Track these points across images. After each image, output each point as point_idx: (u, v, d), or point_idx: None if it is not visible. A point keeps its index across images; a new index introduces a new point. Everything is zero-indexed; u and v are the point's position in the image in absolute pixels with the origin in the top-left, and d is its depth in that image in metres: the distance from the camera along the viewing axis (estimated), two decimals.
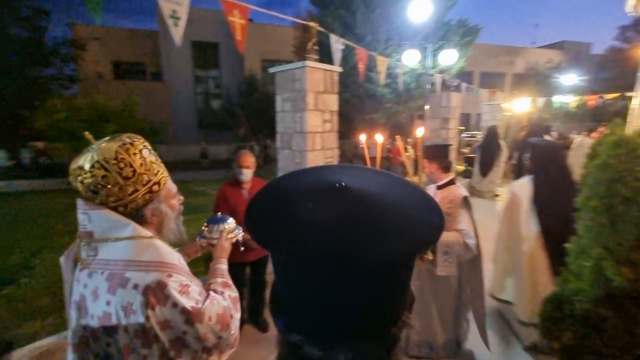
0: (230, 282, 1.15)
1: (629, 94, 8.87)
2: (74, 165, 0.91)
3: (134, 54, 18.94)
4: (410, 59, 6.87)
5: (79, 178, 0.91)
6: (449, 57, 7.24)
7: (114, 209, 0.93)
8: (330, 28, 8.76)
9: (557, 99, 12.91)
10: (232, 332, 0.98)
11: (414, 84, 9.81)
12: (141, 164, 0.94)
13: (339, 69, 3.24)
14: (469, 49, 10.52)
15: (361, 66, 4.18)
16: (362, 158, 12.13)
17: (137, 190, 0.94)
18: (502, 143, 8.25)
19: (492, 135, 8.01)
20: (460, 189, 2.32)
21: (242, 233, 1.40)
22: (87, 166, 0.89)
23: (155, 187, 0.98)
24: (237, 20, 2.44)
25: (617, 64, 20.84)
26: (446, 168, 2.41)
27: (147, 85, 17.74)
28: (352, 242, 0.34)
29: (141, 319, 0.84)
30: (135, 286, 0.86)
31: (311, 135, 3.13)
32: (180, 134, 17.61)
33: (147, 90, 16.65)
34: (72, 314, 0.95)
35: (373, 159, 2.67)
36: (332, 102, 3.26)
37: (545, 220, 2.49)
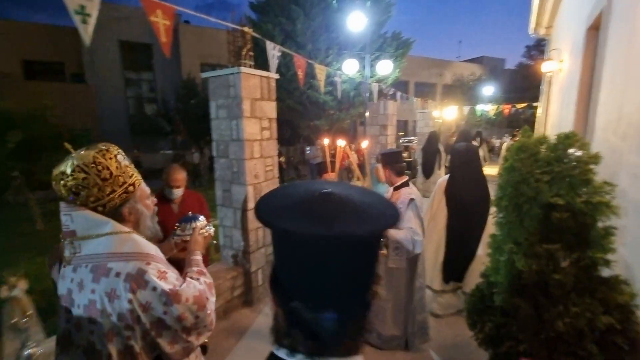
0: (205, 270, 1.25)
1: (535, 104, 10.27)
2: (56, 172, 1.01)
3: (51, 53, 16.78)
4: (350, 68, 7.11)
5: (62, 182, 1.00)
6: (385, 68, 7.65)
7: (94, 209, 1.02)
8: (270, 35, 8.71)
9: (480, 108, 14.42)
10: (209, 312, 1.09)
11: (353, 92, 10.16)
12: (117, 167, 1.05)
13: (276, 76, 3.20)
14: (403, 60, 11.25)
15: (300, 73, 4.19)
16: (308, 164, 12.21)
17: (114, 191, 1.04)
18: (441, 147, 8.93)
19: (432, 140, 8.65)
20: (410, 192, 2.54)
21: (213, 229, 1.54)
22: (68, 170, 0.99)
23: (131, 188, 1.09)
24: (160, 21, 2.27)
25: (525, 78, 24.05)
26: (399, 172, 2.64)
27: (66, 87, 15.80)
28: (341, 227, 0.47)
29: (125, 304, 0.95)
30: (118, 274, 0.96)
31: (249, 143, 3.03)
32: (108, 142, 15.98)
33: (66, 93, 14.85)
34: (61, 309, 1.03)
35: (332, 162, 2.85)
36: (270, 109, 3.20)
37: (452, 206, 3.12)
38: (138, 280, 0.96)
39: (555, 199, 1.63)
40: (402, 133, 24.39)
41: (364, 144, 2.80)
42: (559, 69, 5.48)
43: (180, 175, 2.38)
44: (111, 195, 1.03)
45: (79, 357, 0.98)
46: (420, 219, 2.48)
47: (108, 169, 1.02)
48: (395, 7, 10.61)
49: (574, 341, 1.56)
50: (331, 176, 2.86)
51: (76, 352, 0.99)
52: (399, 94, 7.96)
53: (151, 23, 2.25)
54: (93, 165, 1.00)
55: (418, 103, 10.59)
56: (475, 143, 8.89)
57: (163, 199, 2.41)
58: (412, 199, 2.47)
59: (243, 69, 2.82)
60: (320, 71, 4.64)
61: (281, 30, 9.23)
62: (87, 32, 1.90)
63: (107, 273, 0.96)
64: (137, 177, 1.13)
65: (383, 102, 7.07)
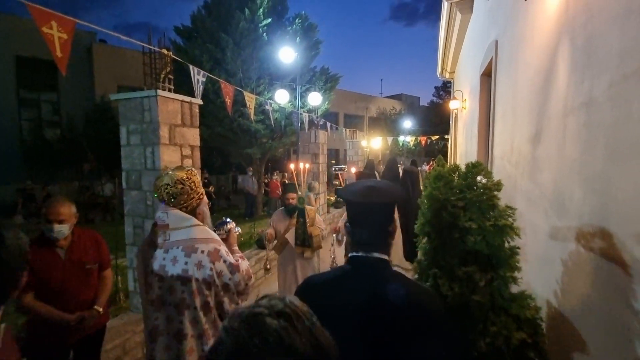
0: (244, 256, 1.76)
1: (446, 136, 11.68)
2: (161, 183, 1.52)
3: None
4: (281, 97, 7.22)
5: (166, 190, 1.51)
6: (315, 99, 7.96)
7: (180, 209, 1.52)
8: (198, 61, 8.44)
9: (401, 139, 15.88)
10: (252, 282, 1.65)
11: (285, 121, 10.29)
12: (198, 182, 1.60)
13: (199, 101, 3.02)
14: (332, 93, 11.88)
15: (228, 100, 4.06)
16: (243, 193, 11.76)
17: (193, 197, 1.55)
18: (376, 174, 9.84)
19: (370, 167, 9.54)
20: None
21: (239, 229, 1.99)
22: (171, 183, 1.51)
23: (202, 196, 1.62)
24: (55, 33, 1.96)
25: (437, 114, 27.45)
26: None
27: None
28: (373, 198, 1.03)
29: (208, 271, 1.47)
30: (202, 252, 1.48)
31: None
32: None
33: None
34: (153, 280, 1.50)
35: (292, 185, 3.43)
36: (192, 136, 2.97)
37: (401, 213, 3.88)
38: (215, 255, 1.48)
39: (469, 223, 1.74)
40: (334, 161, 25.37)
41: (301, 165, 3.30)
42: (462, 107, 6.32)
43: (65, 208, 1.91)
44: (192, 200, 1.54)
45: (172, 312, 1.45)
46: None
47: (195, 182, 1.56)
48: (324, 44, 11.30)
49: None
50: (294, 196, 3.19)
51: (168, 308, 1.46)
52: (329, 124, 8.29)
53: (43, 35, 1.93)
54: (187, 179, 1.53)
55: (347, 133, 11.19)
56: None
57: (43, 244, 1.91)
58: None
59: (160, 92, 2.59)
60: (250, 99, 4.57)
61: (210, 57, 9.03)
62: None
63: (196, 251, 1.45)
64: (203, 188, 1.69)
65: (314, 132, 7.27)
